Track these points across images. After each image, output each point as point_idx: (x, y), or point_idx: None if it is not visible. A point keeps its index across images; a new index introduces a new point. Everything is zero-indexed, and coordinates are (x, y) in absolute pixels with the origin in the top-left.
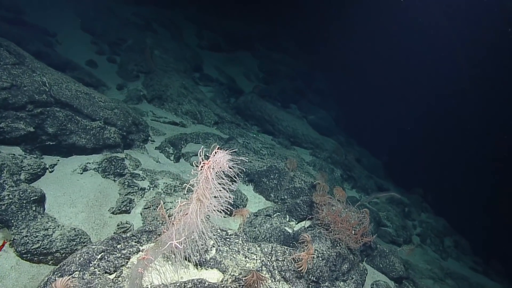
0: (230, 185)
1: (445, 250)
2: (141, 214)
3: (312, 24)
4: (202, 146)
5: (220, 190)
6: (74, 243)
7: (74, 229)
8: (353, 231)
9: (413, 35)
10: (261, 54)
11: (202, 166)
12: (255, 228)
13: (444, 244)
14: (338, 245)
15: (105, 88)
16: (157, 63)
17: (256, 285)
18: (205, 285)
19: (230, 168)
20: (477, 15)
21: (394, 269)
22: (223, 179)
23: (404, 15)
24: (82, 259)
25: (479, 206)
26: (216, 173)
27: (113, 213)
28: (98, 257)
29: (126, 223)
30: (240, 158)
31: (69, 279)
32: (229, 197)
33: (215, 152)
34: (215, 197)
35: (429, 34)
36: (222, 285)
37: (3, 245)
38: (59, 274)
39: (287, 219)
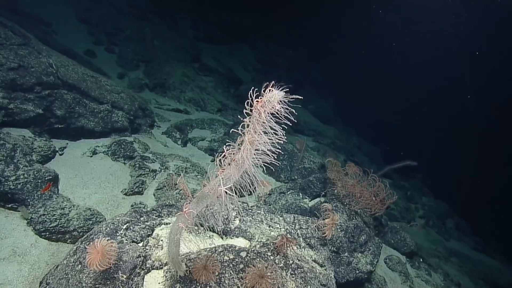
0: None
1: (447, 231)
2: (154, 195)
3: (306, 17)
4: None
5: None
6: (91, 222)
7: (89, 209)
8: (373, 198)
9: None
10: (257, 46)
11: (254, 105)
12: (270, 205)
13: (446, 225)
14: (354, 218)
15: (106, 77)
16: (158, 52)
17: (285, 249)
18: (236, 248)
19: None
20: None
21: (406, 244)
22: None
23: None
24: (108, 229)
25: (477, 189)
26: (268, 114)
27: (126, 194)
28: (124, 227)
29: (140, 203)
30: (294, 96)
31: (107, 240)
32: (284, 141)
33: (269, 90)
34: (268, 139)
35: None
36: (252, 249)
37: (48, 186)
38: (88, 243)
39: (301, 196)
